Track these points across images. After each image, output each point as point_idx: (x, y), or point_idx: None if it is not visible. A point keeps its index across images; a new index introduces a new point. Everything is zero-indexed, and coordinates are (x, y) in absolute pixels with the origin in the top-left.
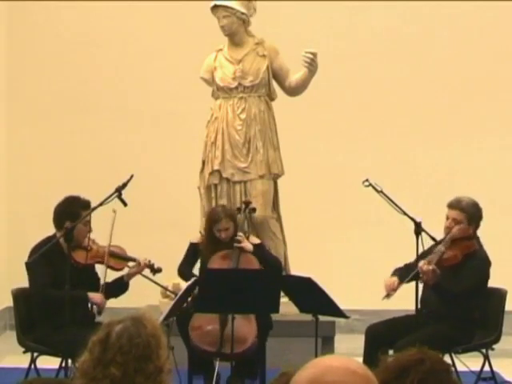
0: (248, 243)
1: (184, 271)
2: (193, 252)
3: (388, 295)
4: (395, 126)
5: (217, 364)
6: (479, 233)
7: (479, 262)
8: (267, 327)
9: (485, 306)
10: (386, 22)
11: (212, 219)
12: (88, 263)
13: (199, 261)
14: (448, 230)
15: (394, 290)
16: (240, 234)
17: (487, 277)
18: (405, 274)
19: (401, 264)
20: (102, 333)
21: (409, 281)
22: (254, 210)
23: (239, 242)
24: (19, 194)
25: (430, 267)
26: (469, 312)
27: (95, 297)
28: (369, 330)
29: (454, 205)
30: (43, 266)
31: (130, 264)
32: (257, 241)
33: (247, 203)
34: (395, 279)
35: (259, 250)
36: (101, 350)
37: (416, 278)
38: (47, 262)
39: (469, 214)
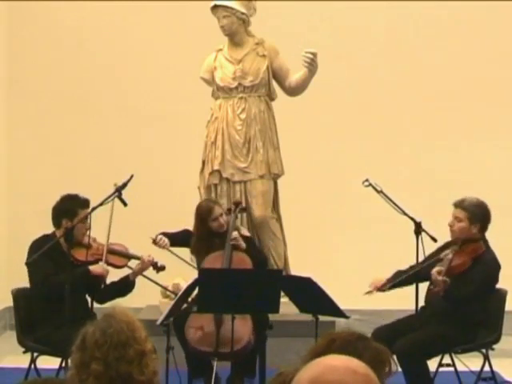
0: (242, 242)
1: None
2: (183, 235)
3: (369, 292)
4: (396, 126)
5: (215, 365)
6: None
7: (487, 266)
8: (264, 324)
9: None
10: (386, 22)
11: (205, 211)
12: (88, 260)
13: (196, 262)
14: (450, 227)
15: (377, 289)
16: (235, 233)
17: (495, 280)
18: (399, 277)
19: (403, 266)
20: (78, 340)
21: (398, 284)
22: (244, 209)
23: (235, 239)
24: (19, 194)
25: (441, 278)
26: (473, 314)
27: (96, 268)
28: (374, 335)
29: (457, 203)
30: (44, 261)
31: (133, 262)
32: (247, 233)
33: (237, 203)
34: (383, 280)
35: (251, 245)
36: (80, 354)
37: (412, 281)
38: (47, 259)
39: (470, 212)
